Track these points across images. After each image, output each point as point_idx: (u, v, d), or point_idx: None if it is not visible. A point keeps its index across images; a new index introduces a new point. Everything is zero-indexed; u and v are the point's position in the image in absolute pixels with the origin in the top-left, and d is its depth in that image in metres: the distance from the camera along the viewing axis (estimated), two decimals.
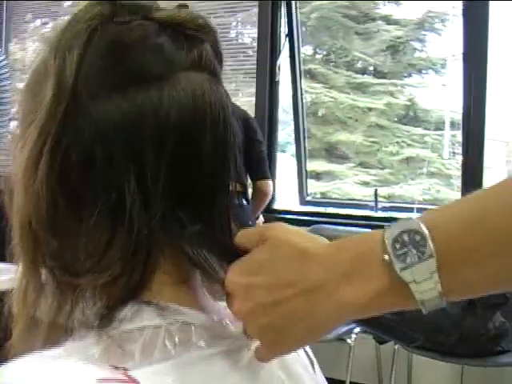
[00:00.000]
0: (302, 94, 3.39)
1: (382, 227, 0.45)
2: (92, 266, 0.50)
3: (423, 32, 3.64)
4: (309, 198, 3.49)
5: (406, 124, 3.74)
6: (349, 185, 3.74)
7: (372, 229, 0.49)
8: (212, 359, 0.49)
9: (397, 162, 3.71)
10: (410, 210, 3.12)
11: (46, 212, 0.50)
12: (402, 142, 3.69)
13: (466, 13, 2.89)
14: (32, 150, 0.50)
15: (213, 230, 0.52)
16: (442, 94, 3.67)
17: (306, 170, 3.46)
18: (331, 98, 3.79)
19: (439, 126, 3.64)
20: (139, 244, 0.49)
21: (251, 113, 3.06)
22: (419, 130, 3.70)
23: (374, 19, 3.61)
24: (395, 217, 3.03)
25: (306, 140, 3.46)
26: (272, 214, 3.24)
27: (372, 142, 3.73)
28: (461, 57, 2.92)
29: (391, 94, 3.69)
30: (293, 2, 3.33)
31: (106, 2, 0.52)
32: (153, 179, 0.49)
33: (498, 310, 2.11)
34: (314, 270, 0.46)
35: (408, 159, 3.70)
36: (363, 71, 3.84)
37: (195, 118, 0.51)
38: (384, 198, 3.48)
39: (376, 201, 3.19)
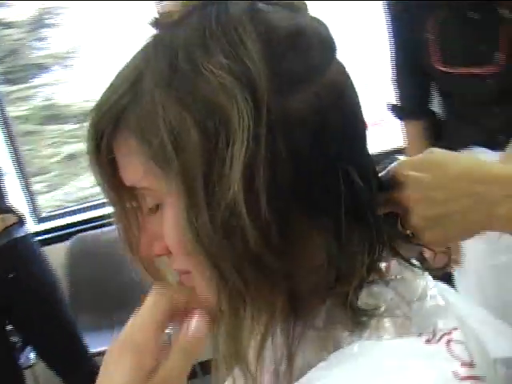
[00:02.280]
0: None
1: None
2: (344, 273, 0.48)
3: (41, 30, 3.57)
4: None
5: (52, 124, 3.67)
6: None
7: None
8: None
9: (58, 164, 3.64)
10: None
11: (276, 234, 0.45)
12: (58, 141, 3.62)
13: None
14: (244, 178, 0.44)
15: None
16: (75, 86, 3.71)
17: None
18: None
19: (83, 117, 3.69)
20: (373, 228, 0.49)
21: None
22: (69, 126, 3.69)
23: None
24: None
25: None
26: None
27: (27, 150, 3.55)
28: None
29: (28, 97, 3.55)
30: None
31: None
32: (362, 163, 0.50)
33: None
34: (489, 182, 0.52)
35: (70, 156, 3.66)
36: None
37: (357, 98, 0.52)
38: (65, 202, 3.41)
39: None
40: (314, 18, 0.52)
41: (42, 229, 2.66)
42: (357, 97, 0.52)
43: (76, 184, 3.52)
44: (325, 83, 0.47)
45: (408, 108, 1.63)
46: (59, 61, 3.62)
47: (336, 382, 0.42)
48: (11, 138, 2.83)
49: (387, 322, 0.47)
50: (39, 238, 2.59)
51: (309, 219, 0.48)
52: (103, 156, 0.51)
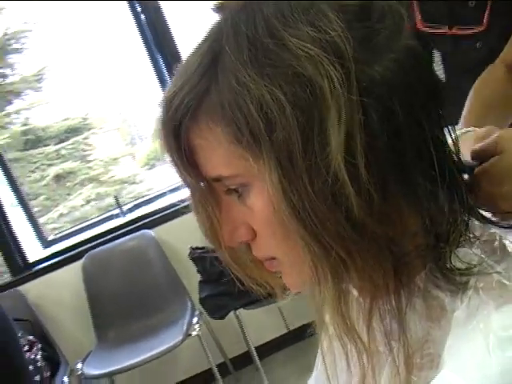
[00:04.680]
0: None
1: None
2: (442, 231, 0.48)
3: (7, 56, 3.55)
4: None
5: (34, 148, 3.66)
6: None
7: None
8: None
9: (46, 187, 3.64)
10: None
11: (377, 199, 0.44)
12: (42, 165, 3.62)
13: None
14: (342, 148, 0.43)
15: None
16: (51, 107, 3.71)
17: None
18: None
19: (64, 136, 3.69)
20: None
21: None
22: (50, 148, 3.68)
23: None
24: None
25: None
26: None
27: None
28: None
29: (7, 124, 3.53)
30: None
31: None
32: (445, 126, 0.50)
33: None
34: None
35: (57, 177, 3.67)
36: None
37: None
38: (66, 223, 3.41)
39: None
40: None
41: (50, 253, 2.67)
42: (431, 59, 0.55)
43: (67, 204, 3.54)
44: (401, 49, 0.47)
45: None
46: (30, 85, 3.61)
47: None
48: (5, 166, 2.78)
49: (484, 281, 0.47)
50: (50, 262, 2.61)
51: (404, 183, 0.47)
52: (183, 151, 0.48)
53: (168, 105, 0.47)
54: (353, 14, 0.46)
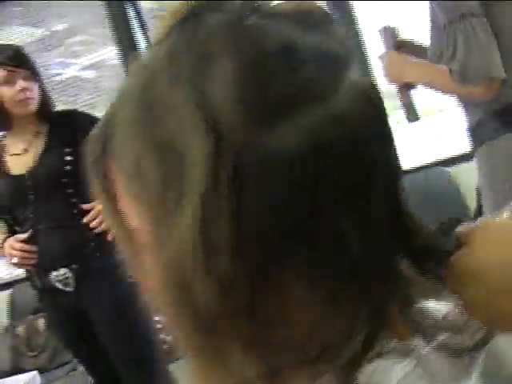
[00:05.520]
0: None
1: None
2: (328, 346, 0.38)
3: None
4: None
5: None
6: None
7: None
8: None
9: None
10: None
11: (246, 297, 0.36)
12: None
13: None
14: (202, 228, 0.35)
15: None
16: None
17: None
18: None
19: None
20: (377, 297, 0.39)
21: None
22: None
23: None
24: None
25: None
26: None
27: None
28: None
29: None
30: None
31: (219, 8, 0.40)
32: (369, 207, 0.39)
33: None
34: None
35: None
36: None
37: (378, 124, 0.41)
38: None
39: None
40: (333, 31, 0.42)
41: None
42: (383, 134, 0.41)
43: None
44: (321, 114, 0.36)
45: None
46: None
47: None
48: None
49: None
50: None
51: (285, 278, 0.38)
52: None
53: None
54: (258, 63, 0.37)
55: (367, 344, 0.38)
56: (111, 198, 0.42)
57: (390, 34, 1.69)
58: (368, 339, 0.38)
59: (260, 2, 0.41)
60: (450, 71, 1.45)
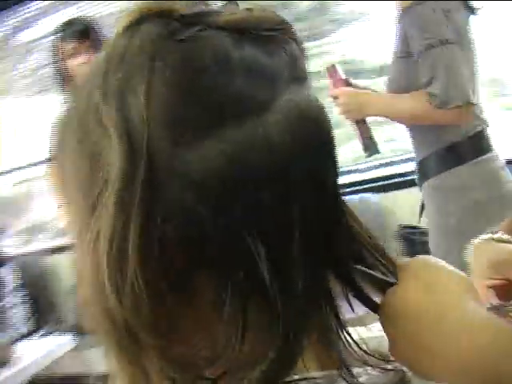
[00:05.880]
0: None
1: None
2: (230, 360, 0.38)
3: None
4: None
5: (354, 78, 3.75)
6: None
7: None
8: None
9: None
10: None
11: (149, 312, 0.36)
12: None
13: None
14: (111, 240, 0.36)
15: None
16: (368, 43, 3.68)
17: None
18: None
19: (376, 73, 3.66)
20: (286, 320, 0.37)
21: None
22: (362, 81, 3.71)
23: None
24: None
25: None
26: None
27: None
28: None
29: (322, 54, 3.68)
30: None
31: (157, 19, 0.39)
32: (286, 236, 0.37)
33: None
34: None
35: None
36: None
37: (317, 143, 0.38)
38: None
39: None
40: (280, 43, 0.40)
41: None
42: (317, 156, 0.38)
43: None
44: (249, 133, 0.35)
45: None
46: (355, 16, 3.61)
47: None
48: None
49: None
50: None
51: (191, 297, 0.38)
52: None
53: None
54: (186, 77, 0.37)
55: (273, 370, 0.37)
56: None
57: (336, 71, 1.69)
58: (274, 366, 0.37)
59: (208, 12, 0.40)
60: (429, 95, 1.47)
